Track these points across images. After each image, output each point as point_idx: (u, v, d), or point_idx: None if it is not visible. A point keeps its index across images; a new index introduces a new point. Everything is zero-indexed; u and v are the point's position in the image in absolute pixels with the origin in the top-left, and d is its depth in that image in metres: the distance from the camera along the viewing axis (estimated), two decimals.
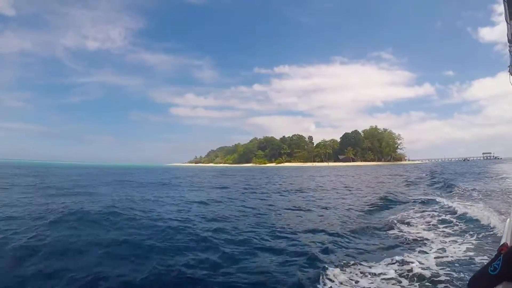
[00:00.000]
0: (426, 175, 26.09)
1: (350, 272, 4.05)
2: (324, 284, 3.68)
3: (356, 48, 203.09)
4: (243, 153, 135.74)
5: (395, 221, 7.31)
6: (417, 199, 10.88)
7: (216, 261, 4.47)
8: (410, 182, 19.86)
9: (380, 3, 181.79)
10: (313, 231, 6.38)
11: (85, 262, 4.42)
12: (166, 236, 5.76)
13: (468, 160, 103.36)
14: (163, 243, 5.38)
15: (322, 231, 6.36)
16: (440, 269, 4.11)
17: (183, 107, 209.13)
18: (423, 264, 4.32)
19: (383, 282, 3.79)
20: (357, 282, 3.79)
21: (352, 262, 4.41)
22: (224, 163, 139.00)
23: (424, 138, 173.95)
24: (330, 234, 6.04)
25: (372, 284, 3.73)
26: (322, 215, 8.46)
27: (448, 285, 3.63)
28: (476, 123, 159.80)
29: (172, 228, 6.36)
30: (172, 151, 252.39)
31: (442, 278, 3.80)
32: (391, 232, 6.41)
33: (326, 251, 4.89)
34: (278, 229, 6.43)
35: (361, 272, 4.08)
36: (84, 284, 3.73)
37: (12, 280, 3.88)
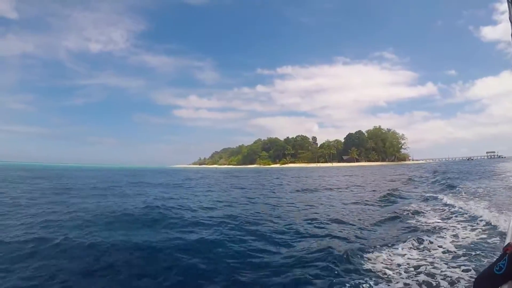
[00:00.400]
0: (432, 174, 26.88)
1: (386, 253, 5.02)
2: (369, 260, 4.67)
3: (358, 48, 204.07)
4: (247, 154, 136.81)
5: (410, 214, 8.23)
6: (426, 196, 11.56)
7: (273, 248, 5.36)
8: (417, 181, 20.73)
9: (381, 3, 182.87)
10: (343, 222, 7.35)
11: (165, 260, 4.84)
12: (221, 232, 6.52)
13: (472, 159, 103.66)
14: (223, 238, 6.06)
15: (350, 222, 7.34)
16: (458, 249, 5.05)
17: (185, 109, 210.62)
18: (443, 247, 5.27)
19: (412, 260, 4.74)
20: (392, 260, 4.76)
21: (384, 245, 5.38)
22: (228, 165, 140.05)
23: (427, 138, 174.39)
24: (358, 224, 7.02)
25: (404, 261, 4.69)
26: (346, 209, 9.46)
27: (465, 262, 4.48)
28: (479, 122, 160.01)
29: (221, 225, 7.20)
30: (175, 153, 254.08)
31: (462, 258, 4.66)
32: (408, 222, 7.37)
33: (360, 237, 5.87)
34: (313, 222, 7.41)
35: (394, 253, 5.05)
36: (182, 280, 4.16)
37: (104, 279, 4.18)
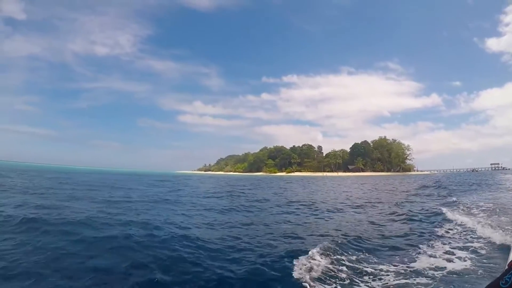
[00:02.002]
0: (436, 186, 27.48)
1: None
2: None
3: (363, 58, 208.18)
4: (254, 162, 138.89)
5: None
6: (428, 211, 11.62)
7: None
8: (423, 192, 21.51)
9: (386, 13, 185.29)
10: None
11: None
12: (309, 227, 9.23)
13: (477, 170, 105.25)
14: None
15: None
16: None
17: (190, 115, 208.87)
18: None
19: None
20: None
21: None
22: (234, 172, 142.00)
23: (431, 148, 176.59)
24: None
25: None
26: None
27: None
28: (484, 133, 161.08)
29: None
30: (179, 159, 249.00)
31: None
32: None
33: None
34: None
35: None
36: None
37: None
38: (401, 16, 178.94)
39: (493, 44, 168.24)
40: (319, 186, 33.26)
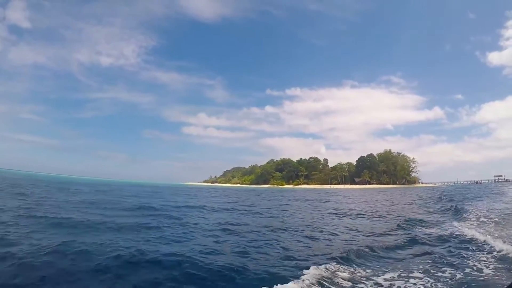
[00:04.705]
0: (443, 197, 29.07)
1: None
2: None
3: (366, 72, 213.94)
4: (261, 174, 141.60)
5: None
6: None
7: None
8: (430, 204, 23.20)
9: (390, 27, 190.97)
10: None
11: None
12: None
13: (480, 182, 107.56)
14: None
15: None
16: None
17: (195, 127, 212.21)
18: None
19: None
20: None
21: None
22: (241, 184, 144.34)
23: (434, 161, 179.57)
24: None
25: None
26: None
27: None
28: (486, 145, 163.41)
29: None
30: (184, 170, 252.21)
31: None
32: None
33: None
34: None
35: None
36: None
37: None
38: (404, 31, 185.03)
39: (494, 58, 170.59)
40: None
